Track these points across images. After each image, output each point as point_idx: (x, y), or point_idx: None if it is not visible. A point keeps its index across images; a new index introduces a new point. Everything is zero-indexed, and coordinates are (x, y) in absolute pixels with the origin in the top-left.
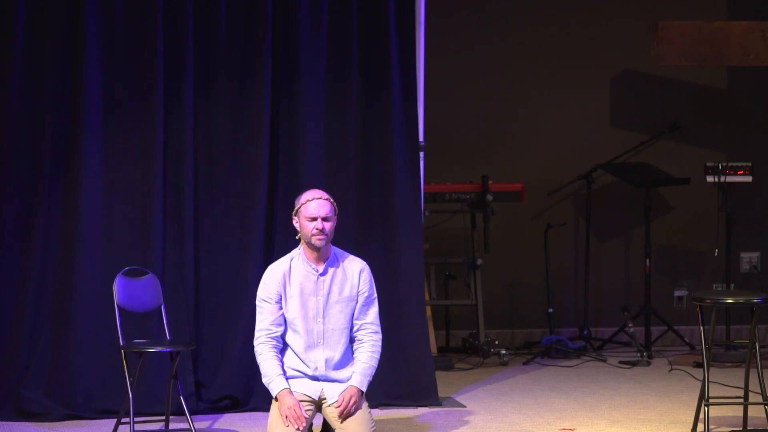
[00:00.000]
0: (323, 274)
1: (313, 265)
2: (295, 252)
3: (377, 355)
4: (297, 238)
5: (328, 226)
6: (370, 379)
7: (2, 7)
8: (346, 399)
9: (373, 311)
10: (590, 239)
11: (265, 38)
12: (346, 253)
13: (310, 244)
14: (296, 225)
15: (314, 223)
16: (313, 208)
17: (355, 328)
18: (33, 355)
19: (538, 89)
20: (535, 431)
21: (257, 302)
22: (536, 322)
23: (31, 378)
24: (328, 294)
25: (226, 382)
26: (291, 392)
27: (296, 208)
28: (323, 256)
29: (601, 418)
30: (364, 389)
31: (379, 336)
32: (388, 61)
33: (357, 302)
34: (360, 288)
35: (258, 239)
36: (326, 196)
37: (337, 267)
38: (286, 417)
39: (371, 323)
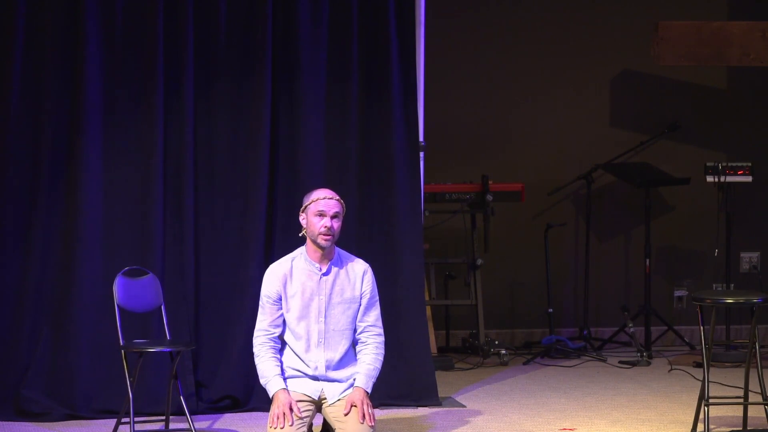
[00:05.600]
0: (326, 273)
1: (317, 264)
2: (296, 252)
3: (381, 357)
4: (300, 235)
5: (336, 225)
6: (375, 380)
7: (2, 7)
8: (360, 404)
9: (376, 313)
10: (590, 239)
11: (265, 38)
12: (350, 255)
13: (315, 243)
14: (303, 222)
15: (323, 219)
16: (324, 204)
17: (358, 331)
18: (33, 355)
19: (537, 89)
20: (535, 431)
21: (260, 299)
22: (536, 322)
23: (31, 378)
24: (330, 294)
25: (226, 382)
26: (287, 392)
27: (305, 205)
28: (327, 256)
29: (601, 418)
30: (369, 390)
31: (383, 338)
32: (388, 61)
33: (360, 304)
34: (363, 289)
35: (258, 239)
36: (338, 197)
37: (341, 268)
38: (276, 417)
39: (374, 325)
